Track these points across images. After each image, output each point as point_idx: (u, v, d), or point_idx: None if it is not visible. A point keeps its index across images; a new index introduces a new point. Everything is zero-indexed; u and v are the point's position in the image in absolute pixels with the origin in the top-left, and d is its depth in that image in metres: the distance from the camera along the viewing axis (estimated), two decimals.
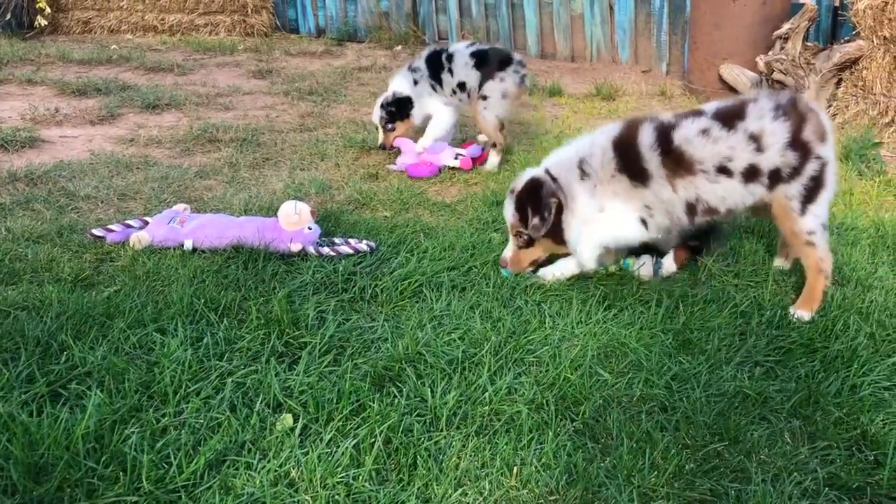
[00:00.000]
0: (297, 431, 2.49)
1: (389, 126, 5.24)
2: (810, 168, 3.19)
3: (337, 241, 3.87)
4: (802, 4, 6.46)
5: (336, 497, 2.25)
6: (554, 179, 3.38)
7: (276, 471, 2.33)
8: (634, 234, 3.35)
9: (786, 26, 6.20)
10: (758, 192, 3.24)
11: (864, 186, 4.75)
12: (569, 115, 6.56)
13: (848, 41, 6.00)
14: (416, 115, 5.24)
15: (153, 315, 3.13)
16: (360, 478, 2.31)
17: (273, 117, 6.54)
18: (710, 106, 3.34)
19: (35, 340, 2.91)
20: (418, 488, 2.29)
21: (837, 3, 6.78)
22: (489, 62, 5.06)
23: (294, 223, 3.77)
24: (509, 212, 3.48)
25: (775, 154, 3.17)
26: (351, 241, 3.84)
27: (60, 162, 5.21)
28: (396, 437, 2.46)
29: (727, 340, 3.05)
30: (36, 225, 4.06)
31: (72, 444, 2.34)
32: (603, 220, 3.34)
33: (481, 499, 2.28)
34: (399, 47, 9.57)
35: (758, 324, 3.16)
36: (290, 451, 2.40)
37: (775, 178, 3.20)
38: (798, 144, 3.17)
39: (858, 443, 2.54)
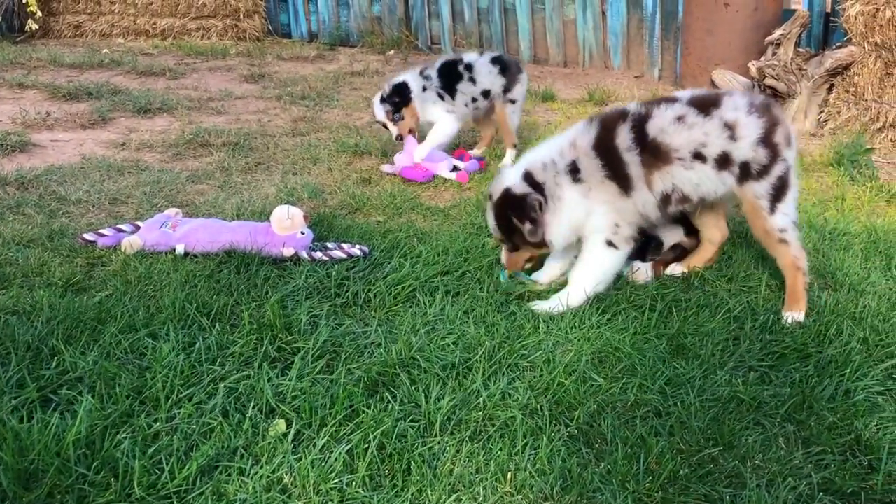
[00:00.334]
0: (290, 437, 2.47)
1: (397, 116, 5.15)
2: (778, 169, 3.27)
3: (330, 245, 3.85)
4: (794, 10, 6.48)
5: (329, 503, 2.23)
6: (533, 177, 3.35)
7: (268, 477, 2.31)
8: (615, 264, 3.39)
9: (778, 32, 6.22)
10: (728, 182, 3.29)
11: (856, 192, 4.77)
12: (562, 120, 6.56)
13: (839, 47, 6.02)
14: (416, 101, 5.15)
15: (145, 320, 3.12)
16: (354, 484, 2.30)
17: (265, 122, 6.53)
18: (684, 93, 3.41)
19: (25, 345, 2.89)
20: (412, 494, 2.28)
21: (829, 10, 6.81)
22: (511, 68, 5.32)
23: (287, 228, 3.76)
24: (492, 223, 3.47)
25: (748, 147, 3.24)
26: (344, 245, 3.82)
27: (51, 166, 5.18)
28: (390, 442, 2.45)
29: (721, 345, 3.05)
30: (27, 229, 4.04)
31: (62, 449, 2.32)
32: (585, 268, 3.36)
33: None
34: (392, 52, 9.57)
35: (751, 329, 3.16)
36: (283, 457, 2.38)
37: (745, 171, 3.26)
38: (769, 144, 3.26)
39: (852, 448, 2.54)
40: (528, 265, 3.61)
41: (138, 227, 3.92)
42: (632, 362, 2.93)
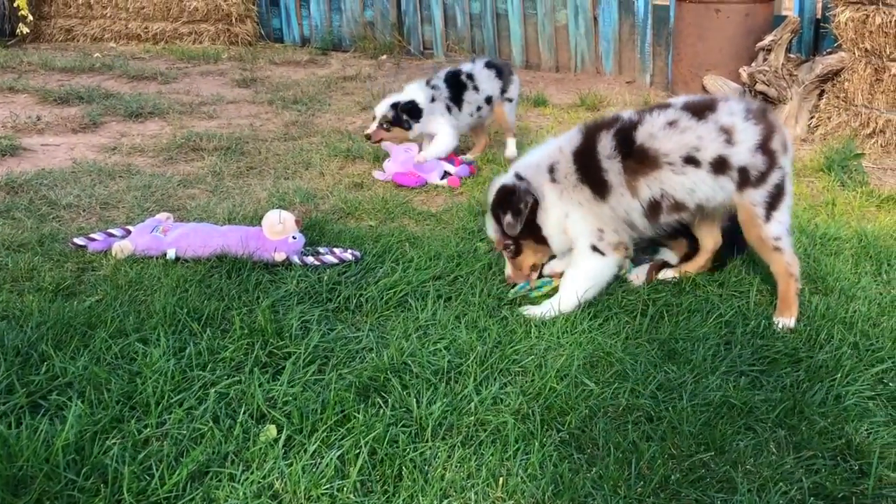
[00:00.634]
0: (281, 442, 2.46)
1: (386, 126, 5.17)
2: (775, 177, 3.26)
3: (321, 250, 3.85)
4: (785, 16, 6.51)
5: None
6: (520, 175, 3.41)
7: (259, 482, 2.31)
8: (603, 271, 3.38)
9: (768, 38, 6.25)
10: (728, 188, 3.26)
11: (846, 197, 4.79)
12: (553, 125, 6.57)
13: (830, 53, 6.05)
14: (416, 129, 5.14)
15: (135, 325, 3.11)
16: (345, 489, 2.29)
17: (257, 126, 6.52)
18: (679, 99, 3.40)
19: (15, 350, 2.87)
20: (404, 499, 2.27)
21: (819, 16, 6.84)
22: (504, 70, 5.50)
23: (278, 232, 3.75)
24: (491, 230, 3.50)
25: (746, 152, 3.21)
26: (336, 250, 3.82)
27: (42, 170, 5.16)
28: (381, 447, 2.45)
29: (712, 350, 3.05)
30: (16, 234, 4.02)
31: (51, 455, 2.31)
32: (574, 274, 3.36)
33: None
34: (384, 57, 9.57)
35: (742, 333, 3.17)
36: (274, 463, 2.37)
37: (744, 177, 3.24)
38: (766, 151, 3.24)
39: (843, 452, 2.54)
40: (535, 273, 3.57)
41: (129, 232, 3.90)
42: (623, 367, 2.93)
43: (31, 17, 10.12)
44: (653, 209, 3.29)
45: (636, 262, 3.69)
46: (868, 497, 2.36)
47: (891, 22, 5.39)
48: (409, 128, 5.12)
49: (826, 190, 4.91)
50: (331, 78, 8.41)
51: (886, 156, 5.61)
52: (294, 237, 3.78)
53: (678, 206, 3.30)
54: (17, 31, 10.07)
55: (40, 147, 5.78)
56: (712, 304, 3.39)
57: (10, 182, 4.82)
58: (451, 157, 5.33)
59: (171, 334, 3.05)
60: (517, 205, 3.34)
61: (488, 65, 5.41)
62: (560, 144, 3.42)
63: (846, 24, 5.71)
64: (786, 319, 3.26)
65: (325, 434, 2.50)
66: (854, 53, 5.76)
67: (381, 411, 2.62)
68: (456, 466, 2.40)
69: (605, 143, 3.28)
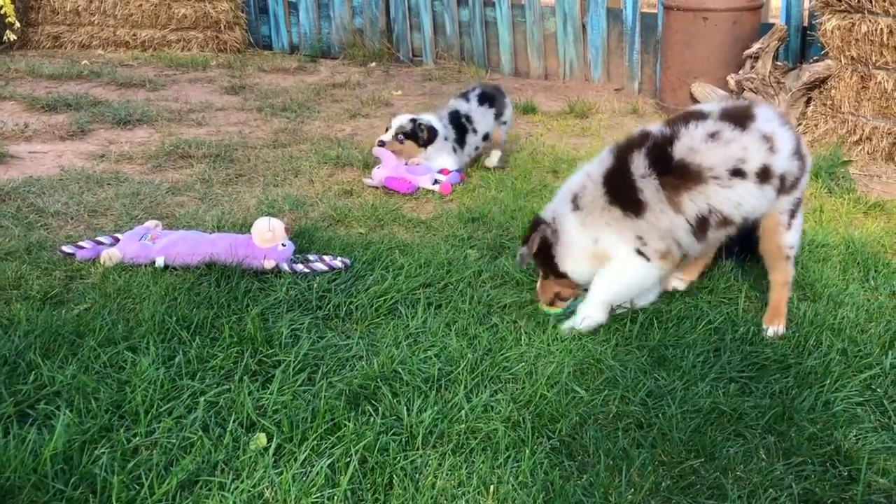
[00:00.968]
0: (271, 451, 2.46)
1: (401, 138, 5.17)
2: (803, 182, 3.22)
3: (311, 257, 3.84)
4: (772, 24, 6.56)
5: None
6: (553, 207, 3.38)
7: (249, 491, 2.30)
8: (643, 277, 3.23)
9: (756, 46, 6.29)
10: (771, 196, 3.15)
11: (833, 204, 4.82)
12: (543, 132, 6.59)
13: (816, 61, 6.09)
14: (428, 151, 5.21)
15: (124, 333, 3.09)
16: (336, 498, 2.28)
17: (246, 133, 6.51)
18: (712, 107, 3.24)
19: (2, 359, 2.86)
20: None
21: (806, 24, 6.89)
22: (497, 97, 5.56)
23: (268, 240, 3.74)
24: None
25: (785, 159, 3.13)
26: (325, 257, 3.81)
27: (29, 178, 5.14)
28: (372, 456, 2.44)
29: (702, 357, 3.06)
30: (4, 242, 4.00)
31: (39, 465, 2.30)
32: (607, 275, 3.24)
33: None
34: (373, 64, 9.58)
35: (732, 340, 3.18)
36: (264, 472, 2.37)
37: (782, 184, 3.15)
38: (800, 156, 3.19)
39: (832, 458, 2.55)
40: (563, 304, 3.44)
41: (117, 240, 3.89)
42: (613, 374, 2.94)
43: (18, 24, 10.07)
44: (701, 225, 3.15)
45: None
46: (857, 503, 2.37)
47: (876, 30, 5.44)
48: (422, 145, 5.17)
49: (813, 196, 4.94)
50: (320, 85, 8.40)
51: (873, 163, 5.65)
52: (283, 245, 3.77)
53: (726, 221, 3.16)
54: (4, 38, 10.02)
55: (28, 154, 5.75)
56: (701, 311, 3.40)
57: None
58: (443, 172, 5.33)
59: (160, 343, 3.04)
60: (528, 239, 3.34)
61: (481, 98, 5.48)
62: (588, 170, 3.31)
63: (832, 31, 5.75)
64: (776, 326, 3.27)
65: (315, 442, 2.49)
66: (840, 61, 5.80)
67: (372, 419, 2.61)
68: (447, 474, 2.40)
69: (638, 163, 3.13)
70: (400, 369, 2.89)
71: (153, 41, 10.26)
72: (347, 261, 3.80)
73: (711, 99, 6.67)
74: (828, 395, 2.83)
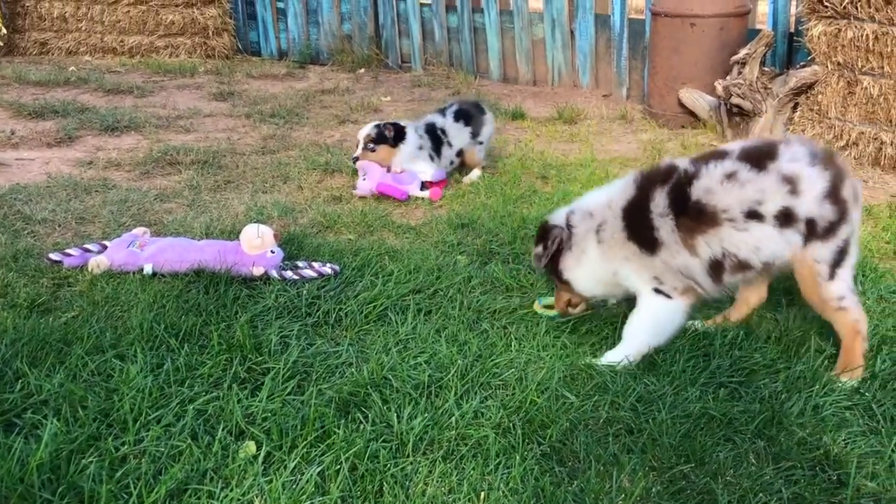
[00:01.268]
0: (261, 459, 2.45)
1: (372, 146, 5.18)
2: (845, 230, 2.97)
3: (300, 264, 3.83)
4: (759, 30, 6.59)
5: None
6: (570, 219, 3.29)
7: (238, 499, 2.29)
8: (667, 316, 3.13)
9: (743, 52, 6.32)
10: (794, 241, 2.97)
11: None
12: (531, 138, 6.60)
13: (803, 66, 6.12)
14: (402, 150, 5.21)
15: (112, 341, 3.07)
16: None
17: (235, 139, 6.49)
18: (735, 146, 3.10)
19: None
20: None
21: (793, 30, 6.93)
22: (474, 115, 5.54)
23: (256, 246, 3.73)
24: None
25: (813, 202, 2.92)
26: (314, 264, 3.81)
27: (16, 185, 5.11)
28: (362, 463, 2.43)
29: (691, 362, 3.06)
30: None
31: (26, 475, 2.28)
32: (637, 319, 3.16)
33: None
34: (362, 70, 9.58)
35: (721, 345, 3.18)
36: (254, 480, 2.35)
37: (811, 229, 2.95)
38: (836, 200, 2.94)
39: (822, 462, 2.56)
40: (576, 311, 3.42)
41: (105, 247, 3.87)
42: (603, 379, 2.94)
43: (4, 31, 10.02)
44: (715, 269, 3.04)
45: None
46: None
47: (862, 36, 5.47)
48: (393, 144, 5.17)
49: None
50: (308, 91, 8.39)
51: (860, 168, 5.68)
52: (272, 251, 3.76)
53: (742, 265, 3.03)
54: None
55: (14, 161, 5.72)
56: (690, 316, 3.40)
57: None
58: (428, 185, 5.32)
59: (148, 350, 3.03)
60: (546, 241, 3.28)
61: (457, 115, 5.51)
62: (610, 198, 3.21)
63: (819, 37, 5.78)
64: (850, 379, 2.98)
65: (305, 450, 2.48)
66: (827, 67, 5.84)
67: (362, 426, 2.61)
68: (437, 481, 2.40)
69: (659, 201, 3.04)
70: (390, 376, 2.88)
71: (141, 47, 10.22)
72: (337, 267, 3.79)
73: (699, 105, 6.70)
74: (817, 400, 2.83)
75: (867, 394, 2.90)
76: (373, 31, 9.79)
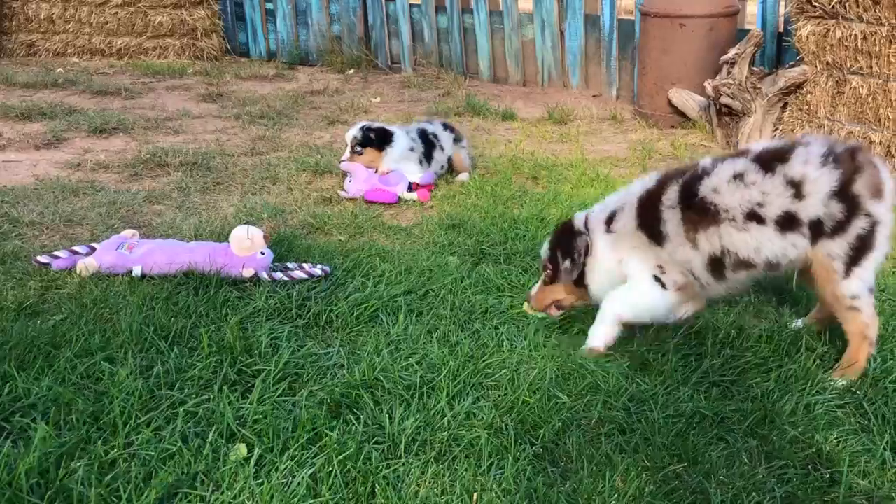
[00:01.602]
0: (252, 462, 2.43)
1: (359, 149, 5.18)
2: (858, 225, 2.91)
3: (290, 265, 3.82)
4: (748, 30, 6.61)
5: None
6: (588, 221, 3.32)
7: (230, 503, 2.27)
8: (657, 303, 3.17)
9: (732, 52, 6.33)
10: (801, 244, 2.97)
11: None
12: (522, 138, 6.60)
13: (792, 66, 6.14)
14: (389, 153, 5.21)
15: (101, 344, 3.05)
16: None
17: (224, 141, 6.47)
18: (756, 146, 3.13)
19: None
20: None
21: (782, 30, 6.95)
22: (455, 129, 5.74)
23: (246, 248, 3.71)
24: (544, 247, 3.42)
25: (818, 203, 2.91)
26: (305, 265, 3.79)
27: (3, 187, 5.07)
28: (354, 465, 2.42)
29: (683, 361, 3.07)
30: None
31: (14, 479, 2.25)
32: (621, 293, 3.20)
33: None
34: (351, 71, 9.56)
35: (712, 344, 3.18)
36: (245, 482, 2.34)
37: (818, 229, 2.94)
38: (845, 197, 2.90)
39: (814, 461, 2.56)
40: (557, 313, 3.42)
41: (94, 249, 3.84)
42: (595, 379, 2.93)
43: None
44: (714, 265, 3.07)
45: None
46: None
47: (851, 35, 5.49)
48: (379, 147, 5.17)
49: None
50: (298, 92, 8.37)
51: None
52: (262, 253, 3.74)
53: (744, 264, 3.04)
54: None
55: (1, 164, 5.68)
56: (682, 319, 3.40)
57: None
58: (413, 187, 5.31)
59: (137, 353, 3.01)
60: (573, 252, 3.27)
61: (444, 126, 5.65)
62: (633, 189, 3.28)
63: (808, 37, 5.80)
64: (843, 378, 2.99)
65: (296, 452, 2.46)
66: (816, 67, 5.85)
67: (354, 428, 2.59)
68: (430, 483, 2.39)
69: (671, 193, 3.11)
70: (382, 377, 2.87)
71: (129, 49, 10.17)
72: (327, 268, 3.78)
73: (689, 105, 6.72)
74: (809, 399, 2.84)
75: (858, 392, 2.91)
76: (362, 32, 9.78)
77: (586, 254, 3.28)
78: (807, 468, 2.53)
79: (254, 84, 8.92)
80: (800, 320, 3.41)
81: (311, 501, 2.28)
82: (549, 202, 4.85)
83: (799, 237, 2.96)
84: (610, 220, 3.25)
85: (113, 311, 3.35)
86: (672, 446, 2.58)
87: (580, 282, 3.31)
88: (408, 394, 2.80)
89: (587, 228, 3.31)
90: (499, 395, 2.82)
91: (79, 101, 7.78)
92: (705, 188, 3.03)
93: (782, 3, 6.79)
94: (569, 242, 3.30)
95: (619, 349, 3.16)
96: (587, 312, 3.46)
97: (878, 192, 2.92)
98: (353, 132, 5.23)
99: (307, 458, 2.45)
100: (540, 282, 3.43)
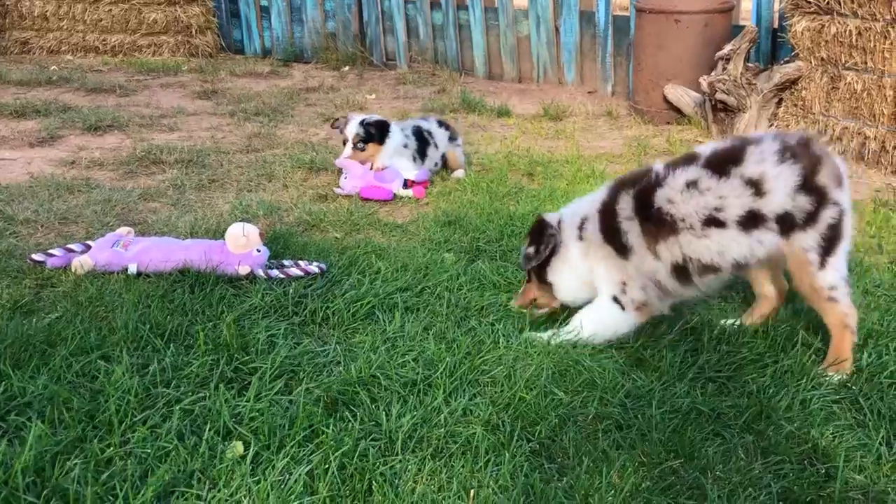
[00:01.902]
0: (249, 459, 2.42)
1: (362, 146, 5.17)
2: (828, 215, 2.93)
3: (286, 263, 3.81)
4: (743, 26, 6.61)
5: None
6: (561, 221, 3.35)
7: (226, 500, 2.27)
8: (617, 324, 3.19)
9: (727, 48, 6.34)
10: (768, 240, 2.97)
11: None
12: (517, 135, 6.60)
13: (787, 62, 6.15)
14: (388, 145, 5.22)
15: (97, 342, 3.04)
16: None
17: (219, 138, 6.45)
18: (705, 148, 3.13)
19: None
20: None
21: (776, 25, 6.96)
22: (450, 126, 5.74)
23: (242, 245, 3.71)
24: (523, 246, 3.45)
25: (783, 198, 2.92)
26: (301, 263, 3.78)
27: None
28: (351, 462, 2.42)
29: (679, 357, 3.07)
30: None
31: (10, 478, 2.25)
32: (585, 315, 3.23)
33: None
34: (347, 68, 9.55)
35: (708, 340, 3.19)
36: (242, 480, 2.33)
37: (788, 223, 2.94)
38: (811, 188, 2.92)
39: (810, 456, 2.57)
40: (539, 312, 3.45)
41: (89, 247, 3.83)
42: (592, 376, 2.93)
43: None
44: (679, 272, 3.08)
45: None
46: (835, 500, 2.38)
47: (845, 31, 5.50)
48: (380, 141, 5.17)
49: None
50: (293, 89, 8.36)
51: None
52: (258, 250, 3.74)
53: (709, 268, 3.05)
54: None
55: None
56: (677, 311, 3.40)
57: None
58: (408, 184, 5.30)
59: (133, 351, 3.00)
60: (538, 241, 3.31)
61: (439, 123, 5.66)
62: (595, 198, 3.29)
63: (802, 33, 5.81)
64: (838, 374, 2.98)
65: (293, 450, 2.46)
66: (811, 62, 5.86)
67: (350, 425, 2.59)
68: (426, 479, 2.39)
69: (624, 204, 3.12)
70: (378, 374, 2.87)
71: (123, 46, 10.14)
72: (323, 266, 3.77)
73: (684, 101, 6.72)
74: (804, 394, 2.84)
75: (854, 387, 2.91)
76: (357, 28, 9.76)
77: (552, 251, 3.30)
78: (803, 463, 2.54)
79: (249, 81, 8.90)
80: (735, 319, 3.39)
81: (308, 499, 2.28)
82: (544, 199, 4.85)
83: (765, 233, 2.96)
84: (581, 226, 3.27)
85: (108, 309, 3.35)
86: (668, 442, 2.58)
87: (542, 278, 3.35)
88: (404, 391, 2.80)
89: (559, 229, 3.33)
90: (495, 392, 2.82)
91: (73, 99, 7.75)
92: (660, 198, 3.04)
93: None
94: (539, 234, 3.33)
95: (614, 346, 3.16)
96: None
97: (839, 181, 2.96)
98: (354, 128, 5.17)
99: (304, 455, 2.45)
100: (525, 280, 3.47)
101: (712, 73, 6.36)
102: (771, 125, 6.24)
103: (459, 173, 5.47)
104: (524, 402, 2.74)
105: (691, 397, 2.82)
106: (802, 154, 2.95)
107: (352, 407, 2.70)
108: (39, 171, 5.46)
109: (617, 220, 3.14)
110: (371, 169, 5.11)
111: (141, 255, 3.71)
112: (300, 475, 2.34)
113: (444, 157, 5.57)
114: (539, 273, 3.37)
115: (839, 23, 5.54)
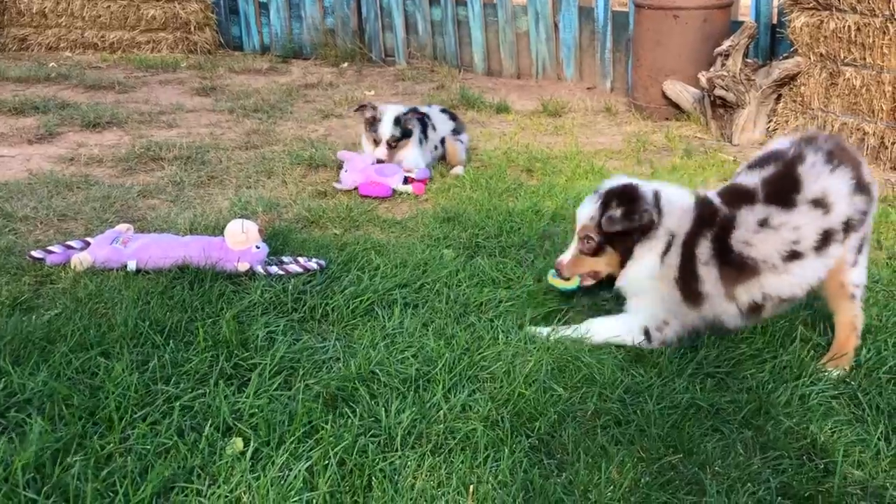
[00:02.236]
0: (248, 455, 2.43)
1: (394, 143, 5.22)
2: (872, 211, 2.96)
3: (286, 259, 3.81)
4: (742, 22, 6.61)
5: None
6: (660, 201, 3.06)
7: (226, 496, 2.27)
8: (633, 342, 3.12)
9: (726, 43, 6.33)
10: (836, 252, 2.93)
11: None
12: (516, 131, 6.60)
13: (786, 58, 6.15)
14: (414, 138, 5.32)
15: (96, 338, 3.04)
16: (314, 501, 2.27)
17: (218, 135, 6.45)
18: (750, 179, 2.98)
19: None
20: None
21: (775, 21, 6.95)
22: (457, 116, 5.84)
23: (241, 242, 3.71)
24: (588, 210, 3.14)
25: (844, 206, 2.88)
26: (300, 259, 3.78)
27: None
28: (350, 458, 2.42)
29: (678, 352, 3.07)
30: None
31: (10, 475, 2.26)
32: (607, 325, 3.17)
33: None
34: (345, 64, 9.54)
35: (707, 335, 3.19)
36: (241, 476, 2.34)
37: (848, 226, 2.92)
38: (862, 187, 2.90)
39: (809, 452, 2.57)
40: (586, 282, 3.30)
41: (88, 244, 3.83)
42: (591, 371, 2.94)
43: None
44: (753, 311, 3.01)
45: None
46: (833, 495, 2.39)
47: (844, 27, 5.50)
48: (410, 135, 5.27)
49: None
50: (292, 86, 8.35)
51: None
52: (257, 247, 3.74)
53: (785, 300, 3.01)
54: None
55: None
56: None
57: None
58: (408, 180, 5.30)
59: (133, 347, 3.00)
60: (633, 213, 3.01)
61: (442, 110, 5.77)
62: (686, 217, 3.04)
63: (801, 29, 5.81)
64: (836, 369, 2.98)
65: (292, 446, 2.47)
66: (809, 58, 5.86)
67: (350, 421, 2.59)
68: (426, 475, 2.39)
69: (704, 249, 2.97)
70: (377, 370, 2.88)
71: (122, 43, 10.12)
72: (322, 262, 3.77)
73: (683, 96, 6.71)
74: (803, 389, 2.85)
75: (853, 383, 2.92)
76: (356, 24, 9.75)
77: (645, 230, 3.03)
78: (801, 458, 2.54)
79: (247, 77, 8.89)
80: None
81: (308, 494, 2.28)
82: (543, 195, 4.85)
83: (835, 246, 2.92)
84: (666, 252, 3.04)
85: (108, 305, 3.35)
86: (667, 437, 2.59)
87: (627, 256, 3.09)
88: (404, 387, 2.80)
89: (659, 213, 3.04)
90: (495, 388, 2.82)
91: (72, 96, 7.74)
92: (737, 242, 2.92)
93: None
94: (631, 201, 3.04)
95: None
96: (580, 307, 3.46)
97: (873, 178, 2.99)
98: (389, 129, 5.18)
99: (303, 451, 2.45)
100: (574, 249, 3.22)
101: (711, 69, 6.36)
102: (770, 121, 6.24)
103: (458, 170, 5.45)
104: (523, 398, 2.74)
105: (690, 393, 2.82)
106: (843, 155, 2.91)
107: (351, 403, 2.71)
108: (38, 167, 5.45)
109: (695, 267, 2.97)
110: (373, 164, 5.11)
111: (140, 252, 3.71)
112: (300, 471, 2.34)
113: (443, 142, 5.56)
114: (625, 250, 3.09)
115: (838, 18, 5.54)
